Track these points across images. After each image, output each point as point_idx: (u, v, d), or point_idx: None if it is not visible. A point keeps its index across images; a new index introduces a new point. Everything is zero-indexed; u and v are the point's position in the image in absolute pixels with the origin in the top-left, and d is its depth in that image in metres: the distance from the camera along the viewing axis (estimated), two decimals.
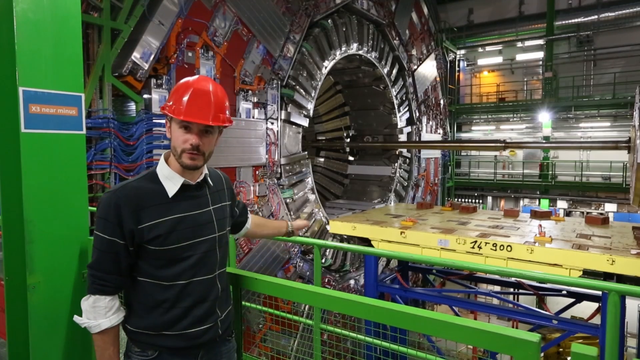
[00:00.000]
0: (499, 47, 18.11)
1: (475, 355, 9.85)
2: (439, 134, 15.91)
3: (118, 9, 5.65)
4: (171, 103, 1.59)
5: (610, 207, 15.37)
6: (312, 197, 9.41)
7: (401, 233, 7.04)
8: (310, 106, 9.26)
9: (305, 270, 8.77)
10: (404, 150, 13.54)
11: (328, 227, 9.26)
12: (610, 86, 15.37)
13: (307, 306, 7.43)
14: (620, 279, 5.58)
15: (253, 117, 7.83)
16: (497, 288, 8.51)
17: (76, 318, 1.64)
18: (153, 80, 6.10)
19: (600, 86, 16.09)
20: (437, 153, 15.71)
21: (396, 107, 12.88)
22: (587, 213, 12.70)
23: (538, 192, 16.77)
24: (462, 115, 18.65)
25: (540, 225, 6.94)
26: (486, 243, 6.28)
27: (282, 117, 8.45)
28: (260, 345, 7.24)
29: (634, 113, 7.89)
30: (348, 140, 13.81)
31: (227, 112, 1.66)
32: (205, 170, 1.76)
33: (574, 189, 16.13)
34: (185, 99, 1.56)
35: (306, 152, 9.28)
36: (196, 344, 1.69)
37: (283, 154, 8.53)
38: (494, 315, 14.22)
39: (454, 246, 6.52)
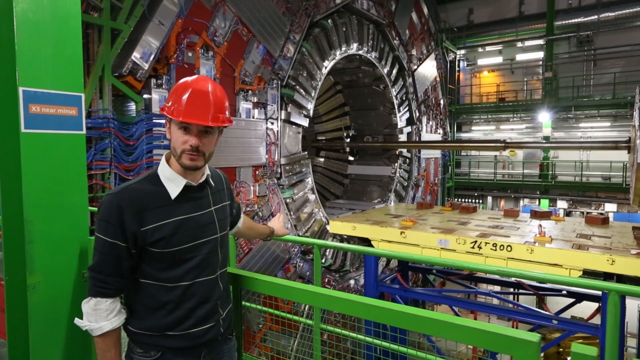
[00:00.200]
0: (499, 47, 18.10)
1: (475, 355, 9.85)
2: (439, 134, 15.91)
3: (118, 9, 5.65)
4: (170, 104, 1.57)
5: (610, 207, 15.37)
6: (312, 197, 9.41)
7: (401, 233, 7.05)
8: (310, 106, 9.26)
9: (305, 270, 8.77)
10: (404, 150, 13.54)
11: (328, 227, 9.26)
12: (610, 86, 15.37)
13: (307, 306, 7.43)
14: (620, 279, 5.59)
15: (253, 117, 7.83)
16: (497, 288, 8.51)
17: (77, 321, 1.62)
18: (153, 80, 6.10)
19: (600, 86, 16.08)
20: (437, 153, 15.71)
21: (396, 107, 12.88)
22: (587, 213, 12.70)
23: (538, 192, 16.76)
24: (462, 115, 18.64)
25: (540, 225, 6.94)
26: (486, 243, 6.29)
27: (282, 117, 8.45)
28: (260, 345, 7.24)
29: (634, 113, 7.89)
30: (348, 140, 13.81)
31: (227, 112, 1.64)
32: (207, 171, 1.75)
33: (574, 189, 16.13)
34: (184, 99, 1.54)
35: (306, 152, 9.27)
36: (199, 343, 1.69)
37: (283, 154, 8.52)
38: (494, 315, 14.22)
39: (454, 246, 6.53)
